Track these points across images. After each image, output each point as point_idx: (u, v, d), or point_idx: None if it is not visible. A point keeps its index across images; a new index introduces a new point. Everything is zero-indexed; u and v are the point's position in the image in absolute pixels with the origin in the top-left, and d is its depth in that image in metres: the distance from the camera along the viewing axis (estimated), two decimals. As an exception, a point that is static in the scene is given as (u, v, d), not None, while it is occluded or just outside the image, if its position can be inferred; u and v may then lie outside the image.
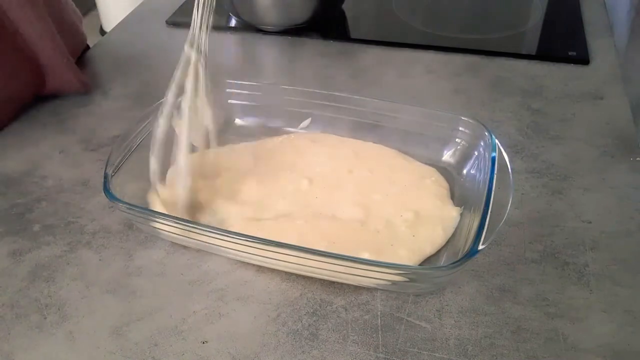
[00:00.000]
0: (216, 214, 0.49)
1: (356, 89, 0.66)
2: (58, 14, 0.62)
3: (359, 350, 0.40)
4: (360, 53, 0.73)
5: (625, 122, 0.59)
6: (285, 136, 0.57)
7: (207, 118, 0.48)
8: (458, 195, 0.50)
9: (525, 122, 0.60)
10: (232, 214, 0.48)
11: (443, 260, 0.45)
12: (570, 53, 0.70)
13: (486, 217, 0.41)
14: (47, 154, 0.58)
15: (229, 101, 0.58)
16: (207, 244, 0.44)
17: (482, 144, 0.49)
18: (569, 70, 0.68)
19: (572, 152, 0.56)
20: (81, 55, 0.72)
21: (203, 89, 0.47)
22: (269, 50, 0.76)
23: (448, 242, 0.46)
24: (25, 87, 0.61)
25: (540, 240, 0.47)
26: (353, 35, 0.78)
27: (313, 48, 0.72)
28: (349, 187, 0.51)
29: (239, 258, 0.45)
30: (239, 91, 0.57)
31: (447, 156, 0.53)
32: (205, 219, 0.48)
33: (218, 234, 0.42)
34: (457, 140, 0.52)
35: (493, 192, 0.43)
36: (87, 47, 0.74)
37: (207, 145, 0.50)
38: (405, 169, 0.52)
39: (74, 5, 0.70)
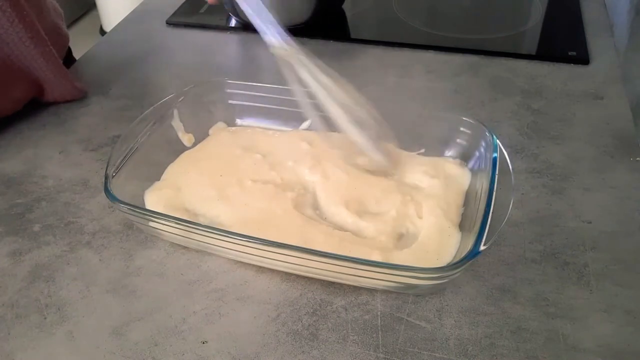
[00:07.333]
0: (214, 217, 0.48)
1: (356, 89, 0.66)
2: (40, 16, 0.61)
3: (359, 350, 0.40)
4: (360, 53, 0.73)
5: (625, 122, 0.59)
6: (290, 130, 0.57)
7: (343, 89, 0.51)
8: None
9: (525, 122, 0.60)
10: (229, 214, 0.48)
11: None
12: (570, 53, 0.70)
13: (487, 217, 0.41)
14: (47, 154, 0.58)
15: (229, 102, 0.58)
16: (207, 244, 0.44)
17: (483, 144, 0.49)
18: (569, 70, 0.68)
19: (572, 152, 0.56)
20: (77, 58, 0.72)
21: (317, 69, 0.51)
22: (269, 50, 0.76)
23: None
24: (23, 99, 0.61)
25: (540, 240, 0.47)
26: (353, 35, 0.78)
27: (313, 48, 0.71)
28: (354, 186, 0.50)
29: (239, 258, 0.45)
30: (239, 91, 0.57)
31: (448, 157, 0.53)
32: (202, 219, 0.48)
33: (218, 234, 0.42)
34: (458, 140, 0.52)
35: (494, 193, 0.43)
36: (70, 52, 0.73)
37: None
38: (416, 164, 0.52)
39: (54, 2, 0.68)
